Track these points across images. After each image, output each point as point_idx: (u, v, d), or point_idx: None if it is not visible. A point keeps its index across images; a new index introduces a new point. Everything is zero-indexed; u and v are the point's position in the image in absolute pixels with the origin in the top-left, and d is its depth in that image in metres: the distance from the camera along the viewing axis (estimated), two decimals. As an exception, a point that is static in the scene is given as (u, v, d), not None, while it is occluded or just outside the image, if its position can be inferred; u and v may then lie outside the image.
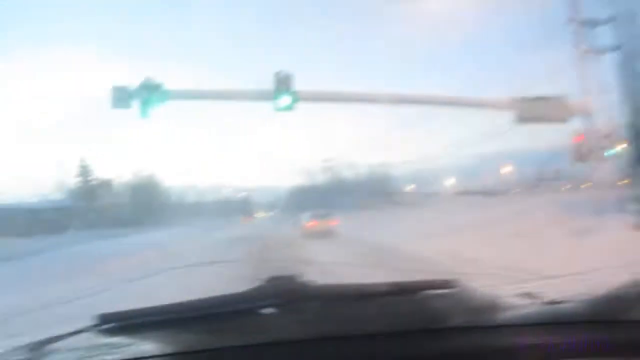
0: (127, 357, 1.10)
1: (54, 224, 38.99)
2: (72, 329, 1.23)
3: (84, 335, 1.21)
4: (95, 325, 1.19)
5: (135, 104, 14.17)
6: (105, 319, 1.18)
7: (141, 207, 63.37)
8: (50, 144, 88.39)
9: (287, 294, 1.22)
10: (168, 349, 1.16)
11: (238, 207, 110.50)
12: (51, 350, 1.14)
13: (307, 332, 1.17)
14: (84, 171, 58.51)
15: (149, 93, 13.97)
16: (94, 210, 56.38)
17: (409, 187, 53.31)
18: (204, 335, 1.22)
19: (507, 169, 54.26)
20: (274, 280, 1.25)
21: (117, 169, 71.13)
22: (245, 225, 57.26)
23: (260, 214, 78.05)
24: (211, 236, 30.90)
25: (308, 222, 26.12)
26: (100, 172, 63.09)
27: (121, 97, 14.19)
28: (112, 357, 1.10)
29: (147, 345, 1.15)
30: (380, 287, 1.30)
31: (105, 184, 62.32)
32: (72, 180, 58.28)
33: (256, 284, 1.26)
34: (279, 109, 14.30)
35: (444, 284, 1.35)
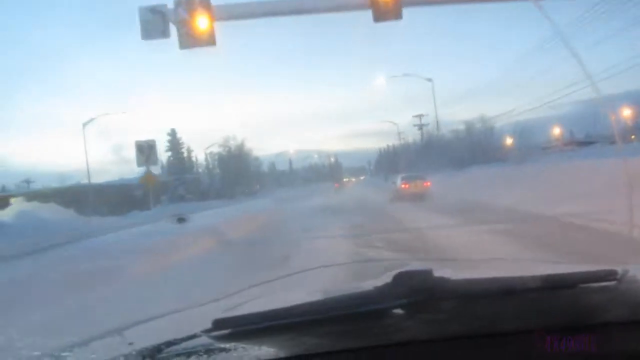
0: None
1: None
2: (185, 334, 1.18)
3: (198, 340, 1.16)
4: (209, 330, 1.14)
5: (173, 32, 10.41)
6: (219, 324, 1.14)
7: (232, 177, 63.15)
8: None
9: (420, 292, 1.10)
10: (285, 353, 1.11)
11: (328, 173, 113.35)
12: (165, 356, 1.12)
13: (445, 332, 1.08)
14: (174, 144, 58.36)
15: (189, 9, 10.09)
16: (186, 184, 56.72)
17: (510, 141, 47.76)
18: (325, 339, 1.13)
19: (625, 113, 47.49)
20: (404, 277, 1.13)
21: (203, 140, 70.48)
22: (339, 191, 54.69)
23: (352, 179, 74.17)
24: (305, 205, 30.18)
25: (400, 184, 25.23)
26: (188, 144, 63.59)
27: (153, 21, 10.29)
28: None
29: (264, 350, 1.11)
30: (531, 281, 1.15)
31: (192, 157, 62.93)
32: (163, 154, 58.34)
33: (382, 280, 1.16)
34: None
35: (608, 275, 1.17)
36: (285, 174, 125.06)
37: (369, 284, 1.26)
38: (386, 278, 1.17)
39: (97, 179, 50.64)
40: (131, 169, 51.84)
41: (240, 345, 1.12)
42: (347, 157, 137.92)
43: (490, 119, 49.74)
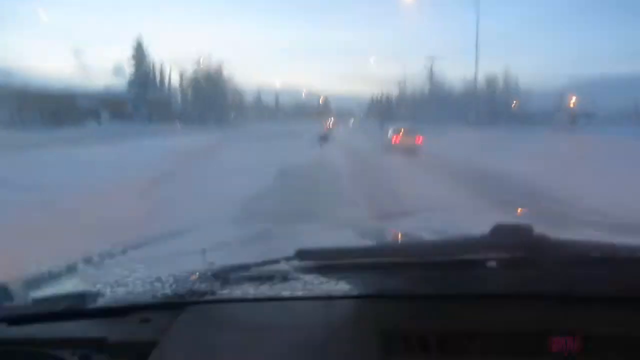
0: (320, 294, 1.07)
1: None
2: (268, 259, 1.18)
3: (278, 266, 1.15)
4: (291, 258, 1.13)
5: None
6: (303, 254, 1.12)
7: (206, 103, 55.22)
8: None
9: (518, 248, 1.08)
10: (368, 291, 1.12)
11: (317, 112, 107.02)
12: (244, 277, 1.13)
13: (539, 291, 1.06)
14: (139, 56, 49.52)
15: None
16: (149, 103, 48.70)
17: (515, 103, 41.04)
18: (412, 282, 1.12)
19: None
20: (503, 230, 1.08)
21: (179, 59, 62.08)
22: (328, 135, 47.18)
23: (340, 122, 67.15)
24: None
25: (391, 136, 23.25)
26: (159, 60, 55.13)
27: None
28: (306, 293, 1.07)
29: (345, 286, 1.10)
30: (636, 251, 1.13)
31: (163, 76, 54.46)
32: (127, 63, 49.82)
33: (479, 230, 1.10)
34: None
35: None
36: (269, 108, 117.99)
37: (464, 233, 1.26)
38: (483, 228, 1.09)
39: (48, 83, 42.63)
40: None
41: (321, 278, 1.10)
42: (342, 100, 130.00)
43: (515, 77, 43.21)
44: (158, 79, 54.64)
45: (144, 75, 49.06)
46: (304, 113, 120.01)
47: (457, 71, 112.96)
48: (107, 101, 47.94)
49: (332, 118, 78.46)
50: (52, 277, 1.32)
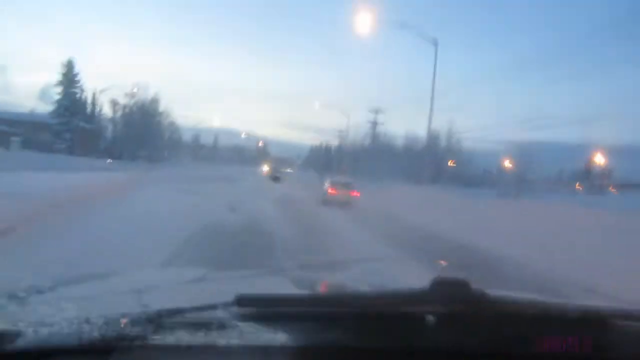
0: (258, 343, 1.04)
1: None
2: (205, 304, 1.15)
3: (215, 313, 1.12)
4: (229, 305, 1.11)
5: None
6: (243, 301, 1.10)
7: (137, 137, 52.05)
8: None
9: (457, 302, 1.10)
10: (305, 342, 1.09)
11: (254, 157, 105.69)
12: (179, 322, 1.08)
13: (475, 347, 1.09)
14: (68, 80, 46.11)
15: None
16: (73, 131, 45.10)
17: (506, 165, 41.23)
18: (351, 334, 1.10)
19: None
20: (442, 285, 1.11)
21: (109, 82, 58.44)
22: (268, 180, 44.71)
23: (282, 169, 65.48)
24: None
25: (327, 188, 23.07)
26: (89, 82, 51.73)
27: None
28: (243, 342, 1.04)
29: (281, 335, 1.07)
30: (574, 311, 1.17)
31: (93, 103, 50.96)
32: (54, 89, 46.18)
33: (418, 284, 1.13)
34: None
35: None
36: (207, 148, 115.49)
37: (403, 286, 1.29)
38: (421, 282, 1.12)
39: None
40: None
41: (260, 326, 1.08)
42: (282, 146, 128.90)
43: (460, 134, 43.22)
44: (89, 107, 51.09)
45: (71, 100, 45.27)
46: (242, 156, 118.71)
47: (401, 123, 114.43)
48: (24, 125, 44.04)
49: (270, 164, 77.11)
50: None
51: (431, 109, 25.98)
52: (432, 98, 25.16)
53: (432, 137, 43.87)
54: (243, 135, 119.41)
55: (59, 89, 45.14)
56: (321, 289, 1.84)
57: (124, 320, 1.05)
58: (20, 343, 0.97)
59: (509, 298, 1.21)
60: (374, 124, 49.91)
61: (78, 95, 46.79)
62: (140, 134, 52.02)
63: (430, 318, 1.09)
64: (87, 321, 1.03)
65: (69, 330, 1.01)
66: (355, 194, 22.34)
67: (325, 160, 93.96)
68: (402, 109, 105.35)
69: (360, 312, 1.12)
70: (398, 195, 25.92)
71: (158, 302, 1.20)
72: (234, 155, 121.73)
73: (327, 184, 23.43)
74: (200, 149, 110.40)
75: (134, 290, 1.38)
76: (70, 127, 44.58)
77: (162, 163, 51.16)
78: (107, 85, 53.65)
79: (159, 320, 1.06)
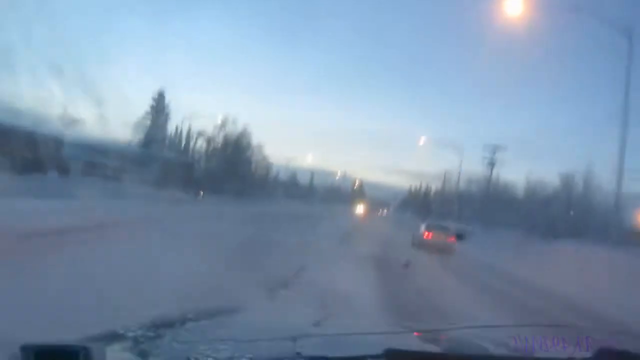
0: None
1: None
2: (355, 354, 1.21)
3: None
4: (379, 357, 1.11)
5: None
6: (391, 355, 1.10)
7: (226, 171, 48.98)
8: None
9: None
10: None
11: (349, 197, 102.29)
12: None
13: None
14: (159, 111, 44.02)
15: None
16: (159, 163, 42.59)
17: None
18: None
19: None
20: (607, 355, 1.04)
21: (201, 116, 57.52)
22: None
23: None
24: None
25: (423, 232, 21.78)
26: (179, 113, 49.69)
27: None
28: None
29: None
30: None
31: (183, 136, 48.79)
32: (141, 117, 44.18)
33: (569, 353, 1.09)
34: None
35: None
36: (301, 187, 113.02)
37: (551, 353, 1.34)
38: (576, 351, 1.10)
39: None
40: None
41: None
42: (375, 189, 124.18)
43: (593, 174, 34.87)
44: (177, 138, 48.90)
45: (159, 130, 43.21)
46: (337, 196, 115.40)
47: (516, 167, 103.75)
48: (105, 154, 42.20)
49: (365, 204, 73.80)
50: (134, 342, 1.29)
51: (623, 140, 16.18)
52: (623, 122, 16.19)
53: (566, 180, 36.32)
54: (338, 175, 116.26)
55: (148, 119, 43.11)
56: (461, 350, 1.74)
57: None
58: None
59: None
60: (491, 164, 42.85)
61: (165, 125, 44.35)
62: (232, 167, 48.85)
63: None
64: None
65: None
66: (451, 240, 21.30)
67: (423, 203, 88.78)
68: (519, 148, 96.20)
69: None
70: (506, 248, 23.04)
71: (307, 348, 1.19)
72: (330, 195, 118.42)
73: (422, 227, 22.26)
74: (296, 187, 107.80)
75: (285, 337, 1.35)
76: (156, 159, 42.10)
77: (253, 200, 47.72)
78: (194, 113, 49.86)
79: None
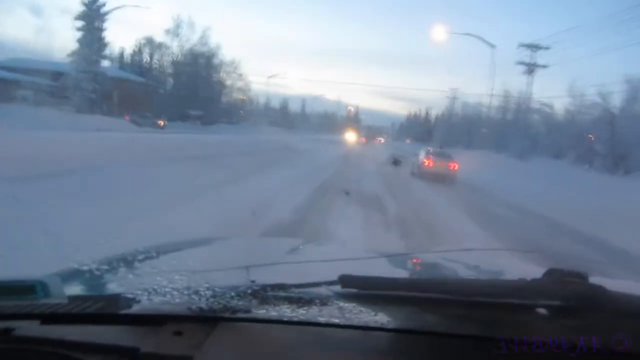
0: (358, 323, 1.06)
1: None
2: (310, 281, 1.18)
3: (318, 290, 1.15)
4: (332, 283, 1.12)
5: None
6: (346, 281, 1.11)
7: (193, 91, 40.05)
8: None
9: (571, 297, 1.04)
10: (405, 324, 1.10)
11: (342, 126, 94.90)
12: (282, 297, 1.12)
13: (587, 343, 1.00)
14: (90, 16, 34.05)
15: None
16: (98, 82, 33.39)
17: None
18: (453, 321, 1.09)
19: None
20: (557, 276, 1.06)
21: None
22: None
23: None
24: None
25: (423, 159, 19.97)
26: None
27: None
28: (343, 321, 1.06)
29: (381, 317, 1.08)
30: None
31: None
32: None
33: (529, 274, 1.08)
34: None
35: None
36: (290, 115, 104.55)
37: (513, 275, 1.20)
38: (532, 273, 1.08)
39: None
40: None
41: (361, 307, 1.10)
42: (370, 115, 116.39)
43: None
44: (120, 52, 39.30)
45: (94, 41, 33.34)
46: (331, 123, 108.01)
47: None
48: (45, 75, 33.23)
49: (358, 132, 71.41)
50: (90, 275, 1.32)
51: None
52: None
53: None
54: (332, 102, 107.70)
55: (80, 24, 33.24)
56: (425, 273, 1.84)
57: (230, 293, 1.09)
58: (135, 308, 1.05)
59: (630, 296, 1.10)
60: (531, 66, 34.61)
61: (103, 38, 34.46)
62: (195, 88, 39.83)
63: (541, 311, 1.06)
64: (196, 292, 1.09)
65: (180, 299, 1.08)
66: (454, 167, 19.51)
67: (424, 129, 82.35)
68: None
69: (464, 300, 1.07)
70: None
71: (263, 277, 1.22)
72: (323, 122, 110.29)
73: (422, 155, 20.70)
74: (285, 115, 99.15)
75: (240, 266, 1.38)
76: (92, 76, 32.76)
77: (225, 127, 39.37)
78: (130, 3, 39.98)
79: (263, 294, 1.10)
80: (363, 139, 64.07)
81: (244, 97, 53.13)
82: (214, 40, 44.93)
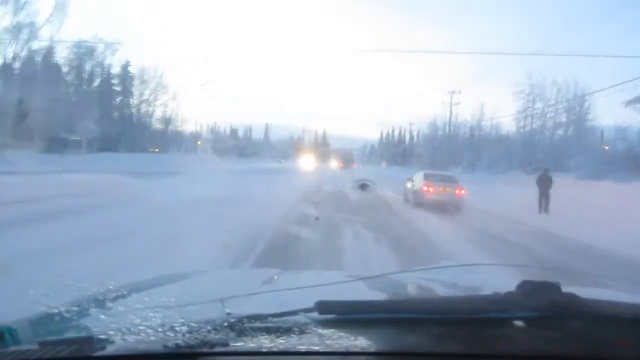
0: (339, 349, 1.05)
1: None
2: (286, 310, 1.18)
3: (296, 318, 1.15)
4: (310, 310, 1.13)
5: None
6: (323, 307, 1.12)
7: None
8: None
9: (546, 306, 1.07)
10: (385, 346, 1.10)
11: (313, 151, 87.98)
12: (260, 328, 1.11)
13: (565, 353, 1.05)
14: None
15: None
16: None
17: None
18: (433, 339, 1.10)
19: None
20: (530, 288, 1.09)
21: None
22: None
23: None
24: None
25: (422, 185, 17.25)
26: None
27: None
28: (323, 348, 1.05)
29: (362, 341, 1.08)
30: None
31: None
32: None
33: (503, 288, 1.11)
34: None
35: None
36: (256, 143, 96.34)
37: (488, 290, 1.23)
38: (506, 286, 1.10)
39: None
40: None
41: (340, 332, 1.09)
42: (335, 140, 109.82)
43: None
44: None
45: None
46: (296, 152, 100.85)
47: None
48: None
49: (340, 159, 71.60)
50: (60, 318, 1.29)
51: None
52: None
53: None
54: (297, 128, 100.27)
55: None
56: (403, 293, 1.84)
57: (206, 327, 1.08)
58: (110, 349, 1.02)
59: (601, 302, 1.14)
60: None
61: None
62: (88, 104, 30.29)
63: (518, 323, 1.07)
64: (172, 329, 1.07)
65: (155, 337, 1.06)
66: (461, 193, 17.13)
67: (400, 151, 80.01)
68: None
69: (442, 318, 1.09)
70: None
71: (239, 308, 1.20)
72: (287, 149, 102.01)
73: (419, 181, 17.85)
74: (244, 143, 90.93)
75: (215, 299, 1.35)
76: None
77: (123, 155, 29.59)
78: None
79: (240, 326, 1.09)
80: (340, 164, 64.40)
81: (170, 118, 43.49)
82: (127, 53, 35.81)
